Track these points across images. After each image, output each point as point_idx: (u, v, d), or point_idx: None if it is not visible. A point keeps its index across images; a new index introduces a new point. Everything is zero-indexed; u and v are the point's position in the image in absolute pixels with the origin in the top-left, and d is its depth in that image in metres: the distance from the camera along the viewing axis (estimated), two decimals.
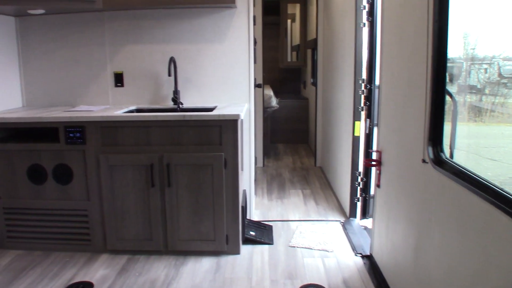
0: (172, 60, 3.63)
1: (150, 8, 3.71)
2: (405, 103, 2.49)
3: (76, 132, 3.24)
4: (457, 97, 2.33)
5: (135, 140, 3.25)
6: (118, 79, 3.90)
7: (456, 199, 1.82)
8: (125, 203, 3.32)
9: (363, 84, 3.82)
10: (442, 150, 2.09)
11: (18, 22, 3.83)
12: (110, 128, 3.24)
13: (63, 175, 3.34)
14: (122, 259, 3.34)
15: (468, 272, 1.71)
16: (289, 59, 8.92)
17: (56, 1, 3.28)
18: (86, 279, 3.06)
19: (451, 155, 2.11)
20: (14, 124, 3.31)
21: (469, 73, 2.52)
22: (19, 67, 3.89)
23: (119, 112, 3.41)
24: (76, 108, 3.65)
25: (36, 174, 3.35)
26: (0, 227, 3.46)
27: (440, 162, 2.04)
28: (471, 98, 2.59)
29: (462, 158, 2.33)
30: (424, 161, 2.17)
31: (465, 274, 1.74)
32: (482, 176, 1.68)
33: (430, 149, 2.11)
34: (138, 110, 3.76)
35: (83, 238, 3.43)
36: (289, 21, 8.73)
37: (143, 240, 3.38)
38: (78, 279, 3.06)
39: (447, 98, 2.12)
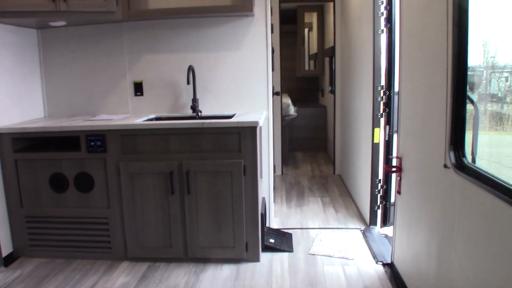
0: (191, 69, 3.65)
1: (168, 18, 3.76)
2: (425, 109, 2.47)
3: (97, 140, 3.28)
4: (478, 105, 2.31)
5: (154, 148, 3.27)
6: (138, 88, 3.94)
7: (480, 204, 1.80)
8: (145, 210, 3.35)
9: (382, 91, 3.80)
10: (464, 155, 2.06)
11: (40, 34, 3.91)
12: (130, 136, 3.28)
13: (84, 183, 3.38)
14: (143, 267, 3.36)
15: (494, 281, 1.68)
16: (306, 68, 8.91)
17: (77, 13, 3.33)
18: (107, 286, 3.08)
19: (473, 162, 2.08)
20: (36, 134, 3.37)
21: (490, 81, 2.49)
22: (41, 78, 3.96)
23: (139, 120, 3.44)
24: (97, 117, 3.70)
25: (58, 183, 3.40)
26: (23, 235, 3.51)
27: (462, 167, 2.01)
28: (492, 107, 2.55)
29: (484, 167, 2.29)
30: (445, 166, 2.14)
31: (490, 283, 1.71)
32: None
33: (452, 154, 2.09)
34: (157, 119, 3.79)
35: (104, 245, 3.46)
36: (306, 29, 8.74)
37: (163, 247, 3.39)
38: (99, 286, 3.08)
39: (469, 105, 2.10)
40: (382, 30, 3.74)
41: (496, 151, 2.60)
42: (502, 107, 2.54)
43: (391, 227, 3.65)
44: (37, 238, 3.51)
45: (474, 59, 2.30)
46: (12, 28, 3.57)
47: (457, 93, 2.05)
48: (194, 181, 3.27)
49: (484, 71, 2.46)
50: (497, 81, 2.48)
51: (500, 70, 2.42)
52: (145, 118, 3.64)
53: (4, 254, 3.42)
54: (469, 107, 2.11)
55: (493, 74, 2.47)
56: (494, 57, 2.41)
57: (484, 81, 2.49)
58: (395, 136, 3.60)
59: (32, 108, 3.85)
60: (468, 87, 2.08)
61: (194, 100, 3.79)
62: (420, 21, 2.56)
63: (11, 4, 3.15)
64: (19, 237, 3.51)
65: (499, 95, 2.50)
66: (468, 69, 2.07)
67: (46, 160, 3.38)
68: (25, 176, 3.42)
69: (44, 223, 3.48)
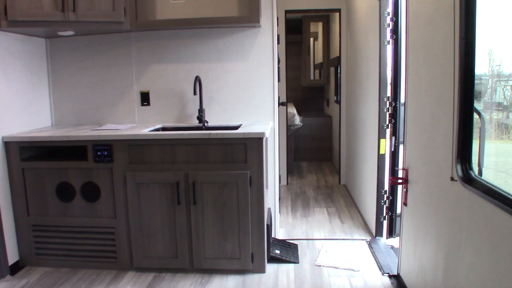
0: (197, 79, 3.67)
1: (176, 28, 3.78)
2: (432, 121, 2.47)
3: (104, 150, 3.29)
4: (484, 115, 2.31)
5: (161, 158, 3.28)
6: (145, 98, 3.96)
7: (487, 218, 1.79)
8: (151, 220, 3.35)
9: (387, 102, 3.80)
10: (471, 168, 2.06)
11: (48, 44, 3.94)
12: (137, 146, 3.29)
13: (91, 192, 3.39)
14: (148, 277, 3.36)
15: None
16: (312, 77, 8.94)
17: (86, 23, 3.37)
18: None
19: (480, 173, 2.08)
20: (43, 143, 3.39)
21: (495, 90, 2.49)
22: (48, 87, 3.99)
23: (146, 130, 3.46)
24: (104, 127, 3.71)
25: (65, 192, 3.41)
26: (29, 244, 3.52)
27: (470, 180, 2.01)
28: (498, 116, 2.55)
29: (490, 176, 2.29)
30: (452, 179, 2.14)
31: None
32: None
33: (459, 167, 2.09)
34: (164, 129, 3.81)
35: (110, 255, 3.46)
36: (311, 39, 8.77)
37: (169, 258, 3.39)
38: None
39: (475, 115, 2.10)
40: (388, 41, 3.75)
41: (503, 160, 2.60)
42: (508, 116, 2.54)
43: (397, 238, 3.64)
44: (43, 247, 3.52)
45: (480, 67, 2.30)
46: (21, 37, 3.60)
47: (464, 106, 2.05)
48: (200, 192, 3.27)
49: (490, 79, 2.46)
50: (503, 89, 2.48)
51: (506, 79, 2.43)
52: (152, 128, 3.66)
53: (10, 262, 3.43)
54: (475, 116, 2.11)
55: (498, 82, 2.47)
56: (499, 65, 2.41)
57: (490, 90, 2.49)
58: (401, 147, 3.60)
59: (39, 117, 3.87)
60: (474, 96, 2.09)
61: (201, 111, 3.80)
62: (426, 33, 2.57)
63: (21, 14, 3.19)
64: (25, 246, 3.52)
65: (505, 103, 2.50)
66: (475, 78, 2.07)
67: (53, 169, 3.40)
68: (32, 185, 3.43)
69: (50, 232, 3.49)
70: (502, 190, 1.72)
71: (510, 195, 1.66)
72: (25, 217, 3.48)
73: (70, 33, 3.69)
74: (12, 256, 3.47)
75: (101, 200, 3.39)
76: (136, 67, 3.92)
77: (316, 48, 8.85)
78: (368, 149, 4.42)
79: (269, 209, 3.84)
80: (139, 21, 3.61)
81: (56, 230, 3.47)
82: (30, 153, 3.49)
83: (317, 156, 7.98)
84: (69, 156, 3.46)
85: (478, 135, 2.10)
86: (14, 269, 3.46)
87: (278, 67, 3.93)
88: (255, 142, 3.21)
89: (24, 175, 3.42)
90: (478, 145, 2.08)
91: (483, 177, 2.04)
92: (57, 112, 4.04)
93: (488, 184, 1.84)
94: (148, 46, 3.89)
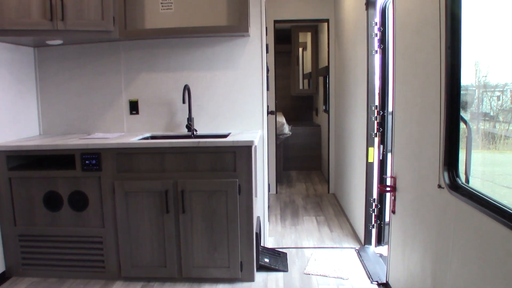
0: (186, 88, 3.68)
1: (165, 37, 3.79)
2: (419, 129, 2.50)
3: (92, 159, 3.28)
4: (470, 124, 2.34)
5: (150, 167, 3.27)
6: (133, 107, 3.95)
7: (474, 225, 1.81)
8: (140, 229, 3.33)
9: (376, 111, 3.83)
10: (458, 175, 2.08)
11: (36, 52, 3.93)
12: (125, 155, 3.28)
13: (79, 201, 3.36)
14: (137, 287, 3.33)
15: None
16: (301, 87, 8.99)
17: (74, 32, 3.36)
18: None
19: (467, 181, 2.10)
20: (31, 152, 3.36)
21: (482, 100, 2.53)
22: (36, 96, 3.97)
23: (134, 139, 3.45)
24: (92, 136, 3.70)
25: (52, 201, 3.38)
26: (16, 254, 3.47)
27: (457, 187, 2.03)
28: (485, 126, 2.58)
29: (477, 185, 2.31)
30: (440, 186, 2.16)
31: None
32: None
33: (446, 174, 2.11)
34: (152, 137, 3.80)
35: (98, 265, 3.43)
36: (300, 49, 8.83)
37: (158, 267, 3.37)
38: None
39: (462, 124, 2.13)
40: (376, 51, 3.79)
41: (489, 169, 2.62)
42: (494, 126, 2.57)
43: (386, 246, 3.65)
44: (30, 257, 3.48)
45: (466, 78, 2.33)
46: (9, 46, 3.58)
47: (450, 115, 2.08)
48: (189, 200, 3.26)
49: (476, 90, 2.49)
50: (489, 100, 2.51)
51: (492, 89, 2.46)
52: (141, 136, 3.65)
53: None
54: (462, 125, 2.14)
55: (485, 93, 2.50)
56: (486, 76, 2.44)
57: (477, 100, 2.52)
58: (389, 156, 3.62)
59: (27, 126, 3.85)
60: (461, 107, 2.11)
61: (190, 119, 3.80)
62: (413, 43, 2.60)
63: (9, 23, 3.18)
64: (12, 256, 3.48)
65: (491, 114, 2.53)
66: (461, 88, 2.10)
67: (40, 179, 3.37)
68: (19, 194, 3.40)
69: (37, 242, 3.45)
70: (489, 197, 1.74)
71: (496, 202, 1.68)
72: (12, 227, 3.44)
73: (59, 42, 3.69)
74: None
75: (89, 209, 3.37)
76: (125, 76, 3.92)
77: (305, 57, 8.91)
78: (357, 157, 4.45)
79: (258, 217, 3.84)
80: (128, 30, 3.62)
81: (44, 240, 3.44)
82: (18, 162, 3.47)
83: (306, 165, 8.00)
84: (57, 165, 3.43)
85: (465, 144, 2.12)
86: (1, 280, 3.42)
87: (267, 76, 3.96)
88: (244, 150, 3.21)
89: (11, 184, 3.39)
90: (465, 154, 2.10)
91: (470, 185, 2.06)
92: (45, 121, 4.02)
93: (474, 191, 1.86)
94: (137, 55, 3.89)
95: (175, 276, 3.37)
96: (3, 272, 3.48)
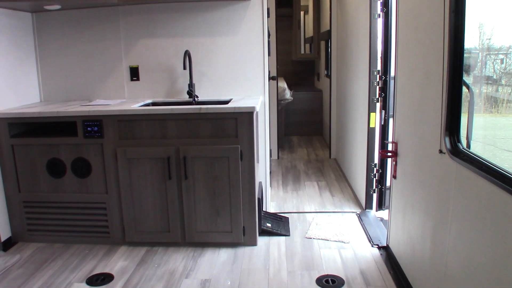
0: (187, 54, 3.64)
1: (164, 2, 3.74)
2: (421, 94, 2.49)
3: (94, 126, 3.28)
4: (473, 88, 2.32)
5: (151, 133, 3.28)
6: (134, 73, 3.93)
7: (474, 189, 1.82)
8: (143, 195, 3.37)
9: (378, 76, 3.80)
10: (459, 140, 2.08)
11: (34, 18, 3.88)
12: (127, 122, 3.28)
13: (82, 168, 3.39)
14: (141, 251, 3.39)
15: (486, 262, 1.71)
16: (302, 51, 8.89)
17: None
18: (106, 270, 3.11)
19: (468, 146, 2.10)
20: (32, 119, 3.36)
21: (485, 63, 2.50)
22: (36, 62, 3.94)
23: (136, 106, 3.45)
24: (93, 102, 3.69)
25: (55, 168, 3.41)
26: (21, 220, 3.53)
27: (457, 152, 2.03)
28: (487, 89, 2.57)
29: (478, 149, 2.32)
30: (441, 151, 2.17)
31: (483, 264, 1.74)
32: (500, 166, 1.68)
33: (447, 140, 2.11)
34: (154, 104, 3.80)
35: (102, 230, 3.48)
36: (302, 13, 8.70)
37: (161, 232, 3.42)
38: (98, 270, 3.11)
39: (464, 89, 2.11)
40: (379, 15, 3.74)
41: (491, 133, 2.62)
42: (497, 90, 2.55)
43: (387, 210, 3.69)
44: (35, 223, 3.53)
45: (470, 41, 2.31)
46: (6, 11, 3.53)
47: (453, 80, 2.06)
48: (191, 167, 3.28)
49: (480, 53, 2.47)
50: (493, 63, 2.49)
51: (496, 52, 2.43)
52: (142, 103, 3.64)
53: (2, 239, 3.45)
54: (465, 90, 2.13)
55: (488, 56, 2.48)
56: (490, 39, 2.42)
57: (480, 63, 2.50)
58: (391, 121, 3.62)
59: (28, 93, 3.83)
60: (464, 70, 2.09)
61: (191, 85, 3.78)
62: (416, 6, 2.56)
63: None
64: (17, 222, 3.53)
65: (494, 77, 2.51)
66: (464, 52, 2.08)
67: (43, 146, 3.38)
68: (22, 162, 3.42)
69: (42, 208, 3.50)
70: (489, 162, 1.75)
71: (496, 166, 1.69)
72: (16, 194, 3.48)
73: (57, 7, 3.63)
74: (4, 233, 3.48)
75: (92, 175, 3.39)
76: (125, 42, 3.88)
77: (307, 22, 8.79)
78: (358, 123, 4.44)
79: (260, 183, 3.87)
80: None
81: (48, 206, 3.48)
82: (19, 129, 3.47)
83: (307, 130, 8.00)
84: (58, 132, 3.44)
85: (467, 108, 2.12)
86: (7, 246, 3.48)
87: (268, 41, 3.91)
88: (246, 117, 3.21)
89: (14, 152, 3.41)
90: (466, 119, 2.10)
91: (471, 150, 2.06)
92: (45, 87, 4.00)
93: (475, 156, 1.87)
94: (136, 21, 3.84)
95: (179, 241, 3.43)
96: (9, 238, 3.53)
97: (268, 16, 3.89)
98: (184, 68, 3.62)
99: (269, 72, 4.12)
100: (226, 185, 3.30)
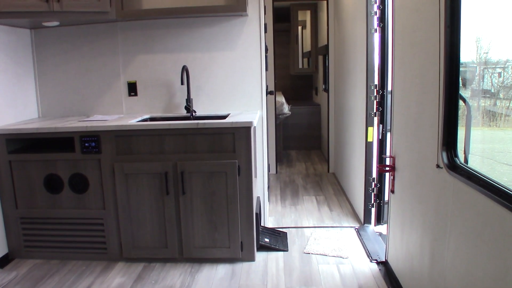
0: (184, 69, 3.66)
1: (162, 18, 3.76)
2: (418, 108, 2.49)
3: (92, 141, 3.28)
4: (470, 102, 2.33)
5: (149, 149, 3.28)
6: (132, 89, 3.94)
7: (472, 204, 1.82)
8: (140, 211, 3.35)
9: (375, 90, 3.82)
10: (456, 155, 2.08)
11: (33, 34, 3.90)
12: (124, 137, 3.28)
13: (79, 184, 3.38)
14: (138, 267, 3.37)
15: (485, 278, 1.70)
16: (300, 66, 8.93)
17: (71, 13, 3.33)
18: (103, 287, 3.08)
19: (466, 160, 2.10)
20: (30, 135, 3.36)
21: (483, 77, 2.51)
22: (34, 78, 3.95)
23: (133, 121, 3.45)
24: (91, 118, 3.69)
25: (53, 184, 3.40)
26: (18, 236, 3.50)
27: (455, 167, 2.03)
28: (485, 103, 2.57)
29: (477, 163, 2.31)
30: (438, 166, 2.16)
31: (482, 280, 1.73)
32: (498, 181, 1.67)
33: (444, 154, 2.11)
34: (151, 119, 3.80)
35: (99, 246, 3.46)
36: (299, 27, 8.75)
37: (159, 247, 3.40)
38: (95, 287, 3.08)
39: (461, 103, 2.12)
40: (376, 29, 3.76)
41: (490, 147, 2.62)
42: (495, 103, 2.56)
43: (385, 225, 3.68)
44: (32, 239, 3.51)
45: (467, 55, 2.32)
46: (5, 28, 3.55)
47: (449, 94, 2.07)
48: (189, 182, 3.27)
49: (477, 67, 2.48)
50: (490, 77, 2.50)
51: (493, 66, 2.44)
52: (140, 118, 3.65)
53: None
54: (462, 104, 2.13)
55: (486, 70, 2.49)
56: (487, 53, 2.43)
57: (477, 77, 2.51)
58: (388, 135, 3.62)
59: (26, 109, 3.84)
60: (461, 83, 2.10)
61: (188, 100, 3.79)
62: (412, 21, 2.58)
63: (4, 5, 3.14)
64: (14, 239, 3.51)
65: (492, 90, 2.52)
66: (461, 65, 2.09)
67: (40, 161, 3.38)
68: (19, 177, 3.41)
69: (39, 224, 3.48)
70: (486, 177, 1.74)
71: (493, 181, 1.68)
72: (13, 210, 3.46)
73: (55, 23, 3.65)
74: (1, 249, 3.46)
75: (90, 191, 3.38)
76: (123, 57, 3.90)
77: (304, 36, 8.84)
78: (356, 137, 4.45)
79: (258, 197, 3.86)
80: (125, 11, 3.58)
81: (45, 222, 3.47)
82: (17, 145, 3.47)
83: (306, 144, 8.00)
84: (56, 147, 3.43)
85: (465, 122, 2.12)
86: (3, 262, 3.46)
87: (266, 56, 3.93)
88: (243, 131, 3.21)
89: (11, 168, 3.40)
90: (464, 133, 2.10)
91: (468, 164, 2.06)
92: (43, 103, 4.01)
93: (472, 171, 1.86)
94: (134, 36, 3.86)
95: (176, 256, 3.40)
96: (6, 255, 3.51)
97: (265, 31, 3.92)
98: (182, 83, 3.63)
99: (266, 86, 4.13)
100: (224, 200, 3.29)
